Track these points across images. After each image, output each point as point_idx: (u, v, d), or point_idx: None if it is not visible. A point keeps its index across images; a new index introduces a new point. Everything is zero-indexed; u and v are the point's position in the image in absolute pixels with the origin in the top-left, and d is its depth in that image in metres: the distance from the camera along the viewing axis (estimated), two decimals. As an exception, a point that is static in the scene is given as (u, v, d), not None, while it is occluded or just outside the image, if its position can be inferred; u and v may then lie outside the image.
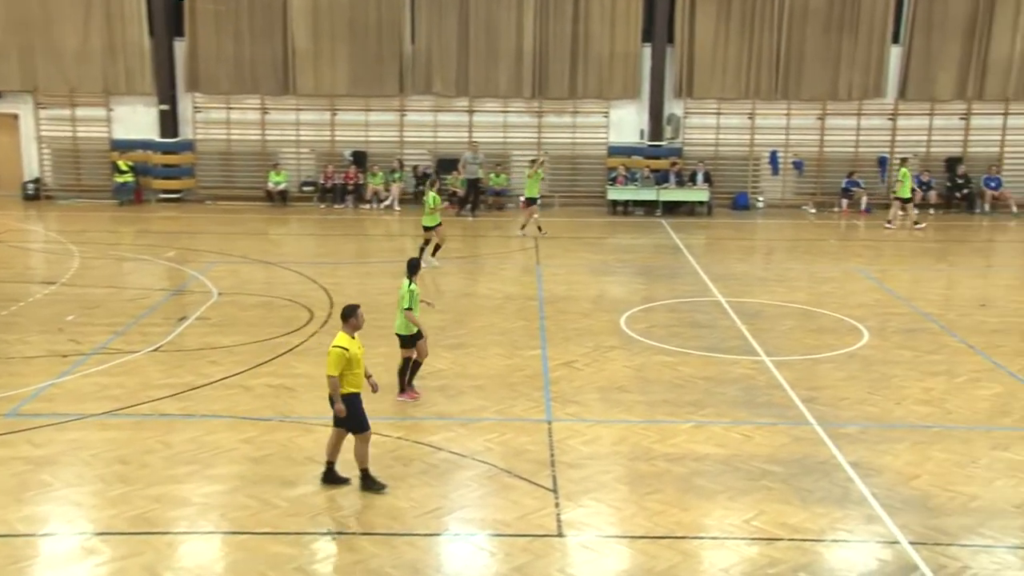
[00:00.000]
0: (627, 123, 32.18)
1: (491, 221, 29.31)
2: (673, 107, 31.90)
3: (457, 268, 22.93)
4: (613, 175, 31.67)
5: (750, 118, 31.71)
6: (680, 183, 30.42)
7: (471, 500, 11.11)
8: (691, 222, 28.70)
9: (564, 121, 32.14)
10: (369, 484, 11.31)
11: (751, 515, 10.76)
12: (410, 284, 13.53)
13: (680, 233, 26.54)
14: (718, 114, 31.78)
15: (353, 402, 11.05)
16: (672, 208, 29.99)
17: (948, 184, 31.19)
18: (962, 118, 31.54)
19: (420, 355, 14.10)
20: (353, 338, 11.09)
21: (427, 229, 22.41)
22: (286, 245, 25.23)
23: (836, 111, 31.63)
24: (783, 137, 31.56)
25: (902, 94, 31.46)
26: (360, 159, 32.49)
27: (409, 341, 13.81)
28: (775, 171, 31.24)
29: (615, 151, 32.16)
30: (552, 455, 12.22)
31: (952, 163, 30.98)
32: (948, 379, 14.84)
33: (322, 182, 32.21)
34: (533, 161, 27.01)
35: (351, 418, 11.11)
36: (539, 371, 15.40)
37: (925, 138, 31.61)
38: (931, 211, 30.68)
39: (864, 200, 30.96)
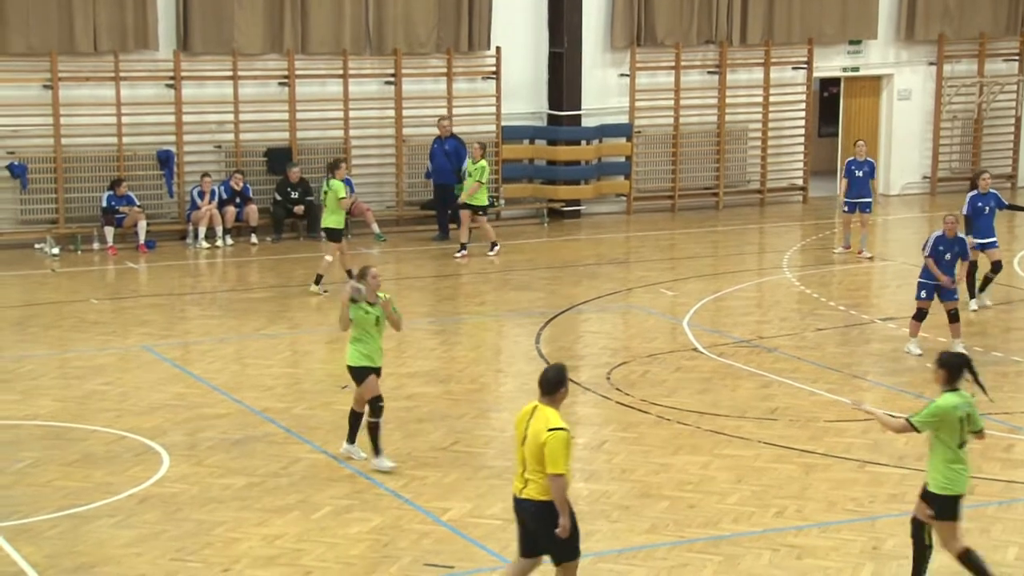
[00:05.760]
0: None
1: None
2: None
3: None
4: None
5: None
6: None
7: None
8: None
9: None
10: None
11: None
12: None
13: None
14: None
15: (571, 515, 10.07)
16: None
17: (277, 193, 25.31)
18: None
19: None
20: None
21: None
22: None
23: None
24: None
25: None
26: None
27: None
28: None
29: None
30: None
31: (274, 156, 25.66)
32: (302, 515, 13.97)
33: None
34: (484, 146, 24.71)
35: (569, 537, 9.93)
36: None
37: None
38: (254, 238, 25.71)
39: (143, 227, 24.51)
